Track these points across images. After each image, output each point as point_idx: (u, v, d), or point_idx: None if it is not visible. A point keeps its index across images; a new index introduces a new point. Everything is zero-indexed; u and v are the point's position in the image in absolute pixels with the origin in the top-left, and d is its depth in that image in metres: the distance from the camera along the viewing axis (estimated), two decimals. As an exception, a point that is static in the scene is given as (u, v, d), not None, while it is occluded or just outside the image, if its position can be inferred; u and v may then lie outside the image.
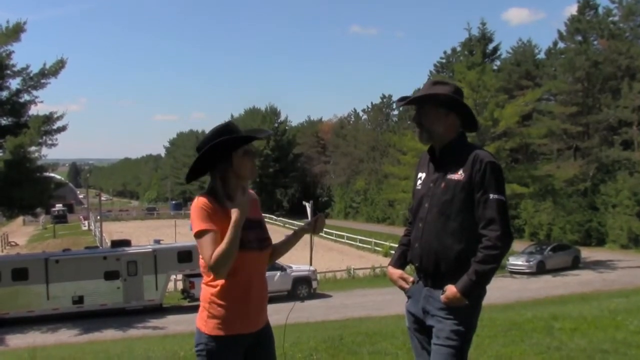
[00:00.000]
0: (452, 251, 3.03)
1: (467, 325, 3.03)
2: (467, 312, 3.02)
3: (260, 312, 2.97)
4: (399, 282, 3.31)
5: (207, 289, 2.90)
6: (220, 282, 2.84)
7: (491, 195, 2.97)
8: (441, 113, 3.15)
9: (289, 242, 3.19)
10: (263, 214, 3.17)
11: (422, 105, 3.20)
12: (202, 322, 2.89)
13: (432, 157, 3.25)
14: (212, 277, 2.85)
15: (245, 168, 2.91)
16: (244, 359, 2.95)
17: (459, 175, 3.04)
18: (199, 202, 2.85)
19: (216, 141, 2.84)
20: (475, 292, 2.98)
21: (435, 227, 3.09)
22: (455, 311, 3.01)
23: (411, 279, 3.27)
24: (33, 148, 25.17)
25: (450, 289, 2.99)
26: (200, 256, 2.83)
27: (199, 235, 2.81)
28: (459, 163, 3.06)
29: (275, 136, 78.33)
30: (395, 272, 3.35)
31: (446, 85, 3.22)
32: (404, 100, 3.26)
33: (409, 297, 3.29)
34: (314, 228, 3.13)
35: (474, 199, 3.01)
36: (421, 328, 3.20)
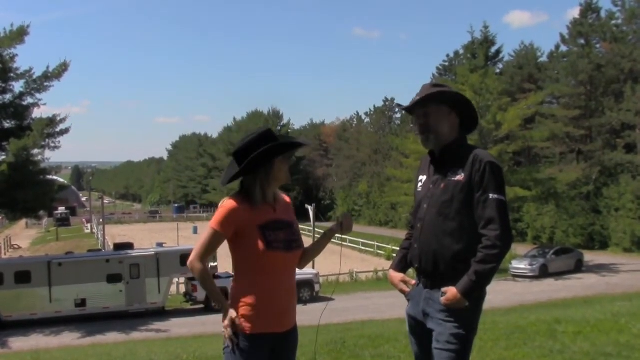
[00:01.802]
0: (450, 251, 3.03)
1: (467, 328, 3.01)
2: (467, 314, 3.00)
3: (287, 313, 3.02)
4: (399, 286, 3.31)
5: (235, 287, 3.01)
6: (248, 280, 2.95)
7: (491, 195, 2.96)
8: (445, 111, 3.16)
9: (320, 244, 3.24)
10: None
11: (425, 106, 3.19)
12: None
13: (432, 159, 3.25)
14: (240, 276, 3.00)
15: (283, 173, 3.03)
16: (269, 358, 2.99)
17: (458, 176, 3.05)
18: (228, 204, 2.96)
19: (267, 147, 2.93)
20: (475, 292, 2.96)
21: (434, 228, 3.09)
22: (455, 313, 2.99)
23: (412, 282, 3.26)
24: (36, 151, 25.30)
25: (451, 291, 2.97)
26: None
27: (208, 229, 2.96)
28: (458, 164, 3.06)
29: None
30: (397, 276, 3.34)
31: (445, 87, 3.23)
32: (402, 105, 3.30)
33: (409, 300, 3.29)
34: (341, 227, 3.16)
35: (473, 199, 3.00)
36: (422, 331, 3.18)
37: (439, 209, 3.08)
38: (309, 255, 3.19)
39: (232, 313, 2.93)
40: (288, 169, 3.07)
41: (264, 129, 3.05)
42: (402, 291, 3.31)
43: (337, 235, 3.21)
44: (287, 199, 3.20)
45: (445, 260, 3.04)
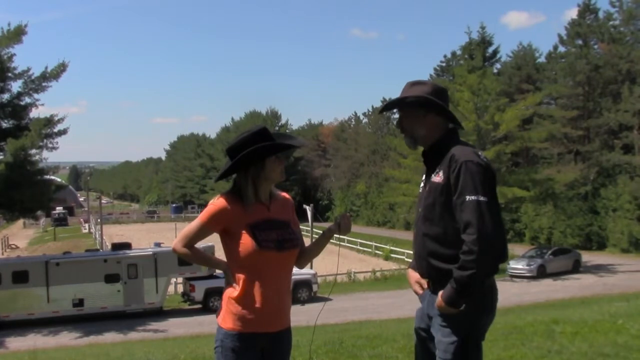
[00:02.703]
0: (437, 257, 2.96)
1: (463, 334, 2.91)
2: (463, 319, 2.90)
3: (280, 313, 3.00)
4: (414, 287, 3.21)
5: (228, 286, 3.01)
6: (240, 280, 2.93)
7: (467, 197, 2.81)
8: (420, 114, 3.08)
9: (318, 245, 3.20)
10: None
11: (401, 109, 3.16)
12: (220, 318, 2.97)
13: (424, 160, 3.18)
14: (233, 275, 2.98)
15: (276, 172, 3.00)
16: (260, 359, 2.98)
17: (439, 178, 2.95)
18: (219, 202, 2.95)
19: (255, 147, 2.91)
20: (459, 299, 2.83)
21: (422, 233, 3.04)
22: (449, 319, 2.91)
23: (425, 284, 3.17)
24: (34, 151, 25.24)
25: (439, 297, 2.91)
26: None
27: (197, 220, 2.99)
28: (440, 164, 2.97)
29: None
30: (413, 276, 3.21)
31: (423, 86, 3.13)
32: (382, 107, 3.25)
33: (421, 302, 3.21)
34: (339, 228, 3.11)
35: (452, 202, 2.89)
36: (426, 333, 3.14)
37: (425, 212, 3.03)
38: (307, 256, 3.16)
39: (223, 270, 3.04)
40: (282, 169, 3.02)
41: (259, 127, 3.03)
42: (415, 292, 3.23)
43: (335, 235, 3.15)
44: (287, 196, 3.16)
45: (435, 266, 2.98)
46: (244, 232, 2.90)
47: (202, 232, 2.96)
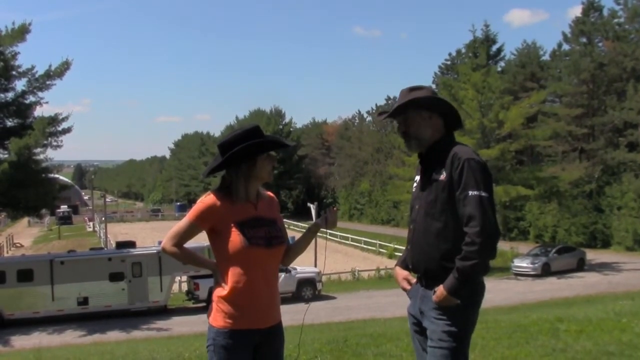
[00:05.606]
0: (438, 251, 3.05)
1: (460, 325, 3.02)
2: (459, 312, 3.01)
3: (270, 309, 3.02)
4: (402, 284, 3.35)
5: (217, 285, 3.03)
6: (229, 277, 2.95)
7: (470, 192, 2.95)
8: (425, 116, 3.17)
9: (305, 240, 3.23)
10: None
11: (405, 113, 3.21)
12: (211, 317, 2.99)
13: (420, 159, 3.28)
14: (222, 273, 3.00)
15: (266, 171, 3.02)
16: (253, 356, 2.99)
17: (440, 176, 3.06)
18: (208, 200, 2.97)
19: (249, 143, 2.94)
20: (461, 290, 2.96)
21: (423, 228, 3.13)
22: (447, 311, 3.01)
23: (414, 280, 3.30)
24: (38, 149, 25.28)
25: (439, 289, 3.00)
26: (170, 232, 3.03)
27: (185, 218, 3.00)
28: (441, 163, 3.08)
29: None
30: (401, 273, 3.37)
31: (422, 90, 3.23)
32: (384, 113, 3.30)
33: (410, 298, 3.32)
34: (326, 222, 3.15)
35: (455, 198, 3.01)
36: (420, 329, 3.22)
37: (426, 209, 3.12)
38: (294, 251, 3.19)
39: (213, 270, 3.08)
40: (272, 169, 3.05)
41: (252, 125, 3.07)
42: (403, 289, 3.35)
43: (323, 230, 3.20)
44: (272, 195, 3.19)
45: (435, 260, 3.07)
46: (232, 229, 2.92)
47: (191, 230, 2.97)
